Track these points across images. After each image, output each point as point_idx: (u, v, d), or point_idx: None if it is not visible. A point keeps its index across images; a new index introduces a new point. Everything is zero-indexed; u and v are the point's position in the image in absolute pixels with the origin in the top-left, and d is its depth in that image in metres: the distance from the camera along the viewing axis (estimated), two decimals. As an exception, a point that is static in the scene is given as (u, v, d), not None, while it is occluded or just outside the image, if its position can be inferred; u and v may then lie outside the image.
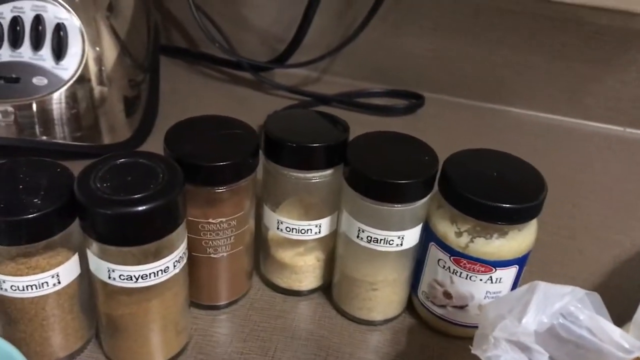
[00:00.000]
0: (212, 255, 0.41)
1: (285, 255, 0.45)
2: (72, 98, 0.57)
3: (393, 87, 0.72)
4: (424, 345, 0.43)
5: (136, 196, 0.33)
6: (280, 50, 0.73)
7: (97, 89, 0.59)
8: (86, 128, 0.59)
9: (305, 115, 0.44)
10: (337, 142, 0.40)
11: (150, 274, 0.35)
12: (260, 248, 0.46)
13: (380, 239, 0.40)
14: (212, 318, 0.44)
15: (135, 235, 0.34)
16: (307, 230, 0.42)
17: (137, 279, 0.35)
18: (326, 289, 0.46)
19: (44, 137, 0.57)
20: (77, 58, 0.55)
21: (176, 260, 0.36)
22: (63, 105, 0.57)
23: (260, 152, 0.41)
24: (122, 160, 0.36)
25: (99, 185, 0.34)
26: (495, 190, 0.38)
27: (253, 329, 0.43)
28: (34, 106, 0.56)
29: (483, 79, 0.71)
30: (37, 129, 0.57)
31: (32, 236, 0.34)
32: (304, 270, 0.45)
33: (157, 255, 0.35)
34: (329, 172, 0.41)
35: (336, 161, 0.41)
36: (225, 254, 0.42)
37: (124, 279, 0.35)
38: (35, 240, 0.34)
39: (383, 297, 0.43)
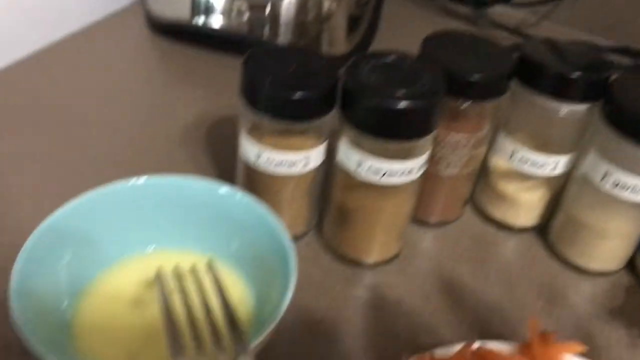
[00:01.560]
0: (441, 171, 0.41)
1: (508, 187, 0.44)
2: (303, 6, 0.59)
3: (620, 44, 0.67)
4: (643, 307, 0.41)
5: (401, 92, 0.34)
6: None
7: (326, 3, 0.60)
8: (309, 37, 0.61)
9: (567, 46, 0.42)
10: (599, 77, 0.38)
11: (396, 172, 0.36)
12: (481, 177, 0.45)
13: (629, 186, 0.37)
14: (424, 233, 0.44)
15: (394, 130, 0.35)
16: (543, 165, 0.41)
17: (382, 175, 0.36)
18: (540, 229, 0.45)
19: (270, 38, 0.60)
20: (318, -35, 0.57)
21: (420, 165, 0.37)
22: (293, 12, 0.59)
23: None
24: (390, 58, 0.36)
25: (366, 78, 0.35)
26: None
27: (463, 253, 0.43)
28: (268, 8, 0.59)
29: None
30: (266, 30, 0.60)
31: (297, 116, 0.36)
32: (525, 205, 0.44)
33: (405, 156, 0.36)
34: (582, 107, 0.39)
35: (592, 97, 0.39)
36: (453, 172, 0.42)
37: (370, 173, 0.36)
38: (298, 120, 0.36)
39: (608, 248, 0.41)
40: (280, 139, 0.37)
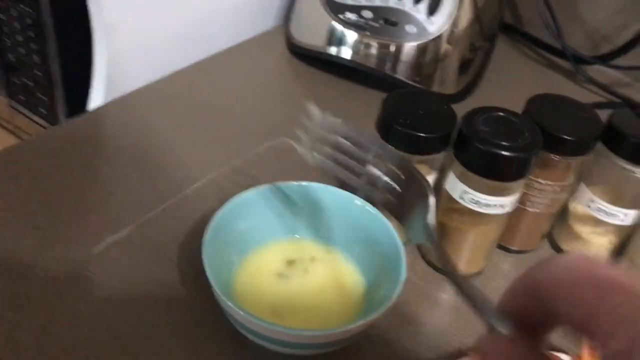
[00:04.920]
0: (527, 208, 0.50)
1: (583, 230, 0.52)
2: (423, 49, 0.69)
3: None
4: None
5: (506, 144, 0.43)
6: (603, 49, 0.77)
7: (444, 46, 0.69)
8: (424, 75, 0.70)
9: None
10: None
11: (493, 204, 0.45)
12: (561, 217, 0.54)
13: (686, 243, 0.45)
14: (503, 258, 0.53)
15: (497, 172, 0.44)
16: (614, 214, 0.49)
17: (481, 205, 0.45)
18: (605, 269, 0.53)
19: (390, 72, 0.70)
20: (445, 18, 0.66)
21: (512, 202, 0.46)
22: (415, 53, 0.69)
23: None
24: (499, 114, 0.46)
25: (479, 127, 0.44)
26: None
27: (536, 278, 0.52)
28: (392, 47, 0.69)
29: None
30: (387, 66, 0.70)
31: (418, 150, 0.46)
32: (595, 247, 0.52)
33: (501, 192, 0.45)
34: (655, 173, 0.47)
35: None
36: (537, 210, 0.50)
37: (471, 202, 0.45)
38: (418, 154, 0.46)
39: (663, 293, 0.48)
40: (401, 165, 0.47)
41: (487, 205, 0.45)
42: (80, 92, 0.67)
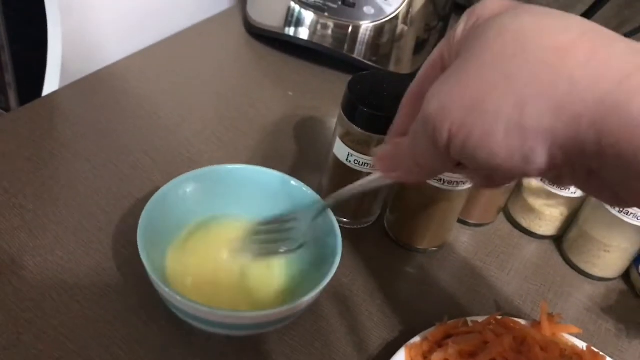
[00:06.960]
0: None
1: (536, 202, 0.55)
2: (380, 30, 0.70)
3: None
4: (634, 310, 0.52)
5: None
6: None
7: (400, 27, 0.71)
8: (381, 55, 0.72)
9: None
10: None
11: (455, 182, 0.47)
12: (515, 191, 0.57)
13: (632, 212, 0.48)
14: (463, 231, 0.56)
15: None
16: (566, 187, 0.52)
17: (445, 183, 0.47)
18: (556, 239, 0.56)
19: (347, 52, 0.71)
20: (401, -1, 0.68)
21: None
22: (371, 34, 0.70)
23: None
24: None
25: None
26: None
27: (494, 249, 0.55)
28: (350, 28, 0.70)
29: None
30: (345, 46, 0.71)
31: (384, 130, 0.47)
32: (548, 218, 0.55)
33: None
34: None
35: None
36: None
37: (436, 181, 0.47)
38: (384, 133, 0.47)
39: (610, 259, 0.52)
40: (365, 145, 0.48)
41: (451, 183, 0.47)
42: (33, 83, 0.65)
